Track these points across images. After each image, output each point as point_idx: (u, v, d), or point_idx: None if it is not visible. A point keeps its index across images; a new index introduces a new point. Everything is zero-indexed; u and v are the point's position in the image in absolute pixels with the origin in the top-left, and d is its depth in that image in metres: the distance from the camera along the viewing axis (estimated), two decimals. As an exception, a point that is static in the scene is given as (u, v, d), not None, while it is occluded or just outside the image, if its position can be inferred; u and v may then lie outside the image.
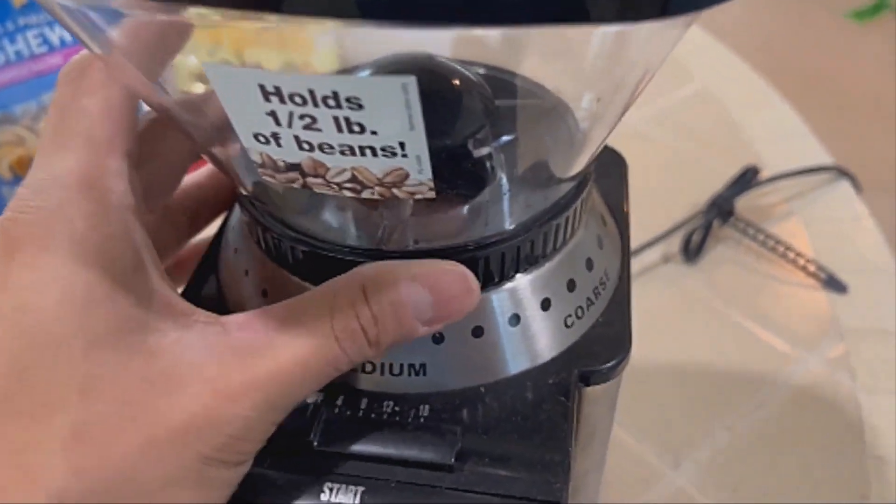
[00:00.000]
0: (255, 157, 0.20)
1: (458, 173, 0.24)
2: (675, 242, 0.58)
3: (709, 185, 0.62)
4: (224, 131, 0.21)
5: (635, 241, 0.57)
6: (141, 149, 0.25)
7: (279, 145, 0.19)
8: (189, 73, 0.23)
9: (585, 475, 0.30)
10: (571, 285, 0.26)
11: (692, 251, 0.58)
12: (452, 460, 0.22)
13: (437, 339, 0.24)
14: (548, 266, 0.25)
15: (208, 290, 0.28)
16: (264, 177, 0.21)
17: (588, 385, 0.26)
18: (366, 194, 0.20)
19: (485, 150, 0.25)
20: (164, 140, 0.27)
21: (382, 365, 0.24)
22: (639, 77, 0.22)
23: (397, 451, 0.23)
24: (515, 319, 0.25)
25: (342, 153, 0.19)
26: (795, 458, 0.46)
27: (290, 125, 0.18)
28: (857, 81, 1.75)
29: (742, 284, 0.57)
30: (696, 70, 0.78)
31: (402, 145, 0.18)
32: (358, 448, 0.23)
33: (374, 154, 0.19)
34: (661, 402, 0.49)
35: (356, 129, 0.18)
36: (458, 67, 0.26)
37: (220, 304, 0.28)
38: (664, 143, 0.69)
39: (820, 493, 0.44)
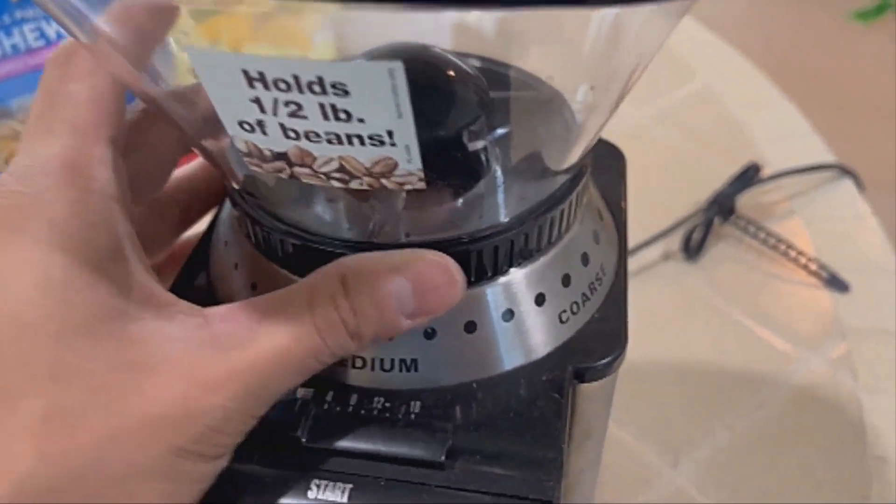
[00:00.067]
0: (241, 146, 0.20)
1: (450, 164, 0.24)
2: (676, 240, 0.58)
3: (710, 182, 0.61)
4: (212, 122, 0.21)
5: (636, 239, 0.57)
6: (130, 139, 0.25)
7: (265, 133, 0.19)
8: (188, 68, 0.22)
9: (581, 473, 0.29)
10: (566, 280, 0.25)
11: (693, 249, 0.57)
12: (443, 458, 0.22)
13: (429, 334, 0.24)
14: (542, 260, 0.25)
15: (198, 283, 0.28)
16: (251, 167, 0.20)
17: (583, 382, 0.25)
18: (354, 185, 0.20)
19: (478, 142, 0.24)
20: (153, 131, 0.26)
21: (373, 360, 0.24)
22: (632, 67, 0.22)
23: (387, 448, 0.22)
24: (509, 314, 0.24)
25: (329, 142, 0.18)
26: (796, 458, 0.45)
27: (275, 112, 0.18)
28: (860, 82, 1.75)
29: (743, 283, 0.56)
30: (698, 68, 0.77)
31: (390, 134, 0.18)
32: (347, 445, 0.22)
33: (362, 143, 0.18)
34: (660, 400, 0.49)
35: (342, 116, 0.17)
36: (453, 58, 0.26)
37: (210, 298, 0.27)
38: (665, 140, 0.69)
39: (820, 493, 0.43)
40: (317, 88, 0.17)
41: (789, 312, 0.54)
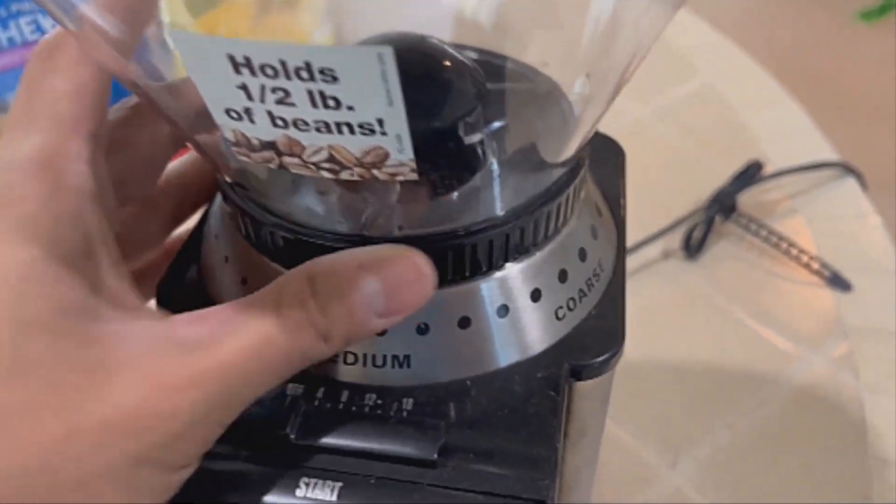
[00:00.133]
0: (229, 135, 0.19)
1: (444, 156, 0.23)
2: (677, 238, 0.57)
3: (711, 180, 0.61)
4: (203, 113, 0.20)
5: (636, 237, 0.56)
6: (117, 137, 0.25)
7: (252, 122, 0.18)
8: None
9: (577, 472, 0.29)
10: (563, 276, 0.25)
11: (693, 247, 0.57)
12: (435, 456, 0.22)
13: (422, 329, 0.23)
14: (538, 255, 0.24)
15: (189, 277, 0.27)
16: (240, 157, 0.20)
17: (579, 379, 0.25)
18: (344, 175, 0.19)
19: (473, 133, 0.24)
20: (141, 129, 0.26)
21: (365, 356, 0.24)
22: (629, 56, 0.21)
23: (378, 446, 0.22)
24: (504, 310, 0.24)
25: (318, 130, 0.18)
26: (796, 459, 0.45)
27: (262, 99, 0.17)
28: (863, 82, 1.74)
29: (744, 281, 0.56)
30: (701, 65, 0.76)
31: (380, 122, 0.17)
32: (337, 442, 0.22)
33: (352, 131, 0.18)
34: (660, 399, 0.48)
35: (331, 103, 0.17)
36: (449, 49, 0.25)
37: (201, 291, 0.27)
38: (667, 137, 0.68)
39: (821, 493, 0.43)
40: (304, 74, 0.16)
41: (791, 311, 0.53)
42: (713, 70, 0.76)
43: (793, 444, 0.45)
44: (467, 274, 0.23)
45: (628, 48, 0.21)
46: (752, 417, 0.47)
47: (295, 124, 0.18)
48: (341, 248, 0.22)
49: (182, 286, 0.27)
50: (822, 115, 0.71)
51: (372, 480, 0.21)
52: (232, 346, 0.19)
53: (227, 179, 0.25)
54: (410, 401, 0.23)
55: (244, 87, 0.17)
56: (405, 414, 0.23)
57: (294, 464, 0.22)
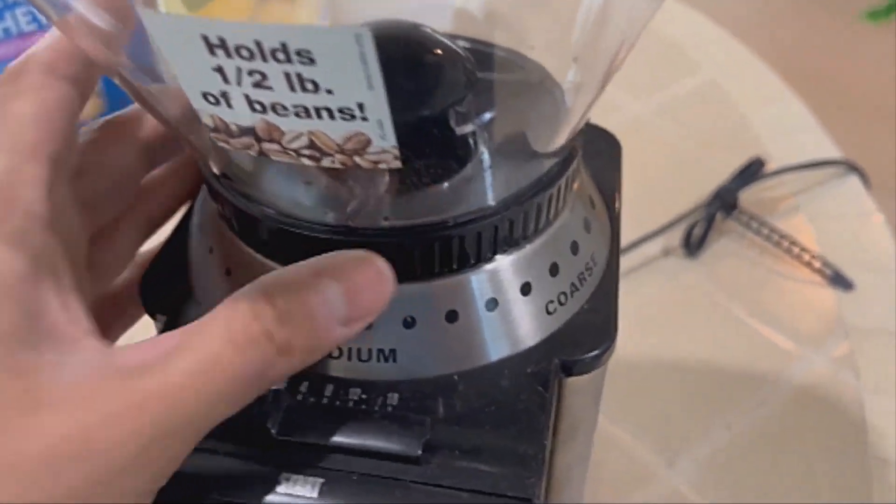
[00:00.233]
0: (207, 121, 0.19)
1: (429, 144, 0.23)
2: (677, 235, 0.57)
3: (713, 177, 0.60)
4: (185, 99, 0.20)
5: (636, 234, 0.56)
6: (86, 158, 0.24)
7: (230, 106, 0.18)
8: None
9: (569, 470, 0.28)
10: (554, 269, 0.24)
11: (693, 244, 0.56)
12: (419, 452, 0.21)
13: (409, 323, 0.23)
14: (529, 248, 0.24)
15: (174, 268, 0.27)
16: (219, 143, 0.19)
17: (570, 375, 0.24)
18: (326, 162, 0.19)
19: (462, 121, 0.23)
20: (112, 150, 0.25)
21: (350, 350, 0.23)
22: (618, 43, 0.21)
23: (361, 442, 0.21)
24: (493, 304, 0.23)
25: (297, 115, 0.17)
26: (796, 459, 0.44)
27: (239, 83, 0.17)
28: (868, 81, 1.73)
29: (745, 279, 0.55)
30: (704, 62, 0.76)
31: (361, 107, 0.17)
32: (319, 437, 0.21)
33: (332, 116, 0.17)
34: (658, 398, 0.48)
35: (309, 87, 0.16)
36: (441, 37, 0.25)
37: (185, 283, 0.26)
38: (668, 134, 0.68)
39: (820, 494, 0.42)
40: (281, 56, 0.16)
41: (792, 310, 0.53)
42: (716, 66, 0.75)
43: (792, 444, 0.45)
44: (455, 266, 0.23)
45: (617, 33, 0.21)
46: (752, 417, 0.46)
47: (273, 109, 0.17)
48: (327, 239, 0.22)
49: (166, 278, 0.26)
50: (826, 113, 0.70)
51: (354, 477, 0.21)
52: (177, 369, 0.18)
53: (214, 171, 0.24)
54: (396, 396, 0.23)
55: (220, 70, 0.17)
56: (390, 409, 0.22)
57: (275, 459, 0.21)
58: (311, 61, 0.16)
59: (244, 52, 0.16)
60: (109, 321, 0.28)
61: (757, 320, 0.52)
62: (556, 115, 0.25)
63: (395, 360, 0.23)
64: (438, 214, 0.22)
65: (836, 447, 0.45)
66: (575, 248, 0.25)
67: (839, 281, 0.54)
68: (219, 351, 0.18)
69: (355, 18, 0.29)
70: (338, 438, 0.21)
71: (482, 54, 0.26)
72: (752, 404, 0.47)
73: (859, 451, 0.44)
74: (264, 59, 0.16)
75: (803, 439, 0.45)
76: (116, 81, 0.23)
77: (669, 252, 0.57)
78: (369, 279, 0.20)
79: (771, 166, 0.62)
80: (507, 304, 0.24)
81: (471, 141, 0.24)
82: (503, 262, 0.23)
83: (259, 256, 0.24)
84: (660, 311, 0.53)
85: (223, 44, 0.16)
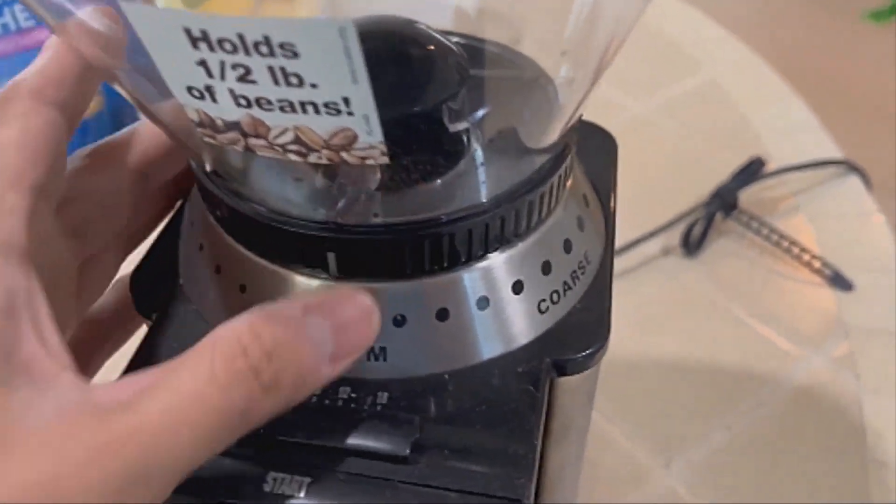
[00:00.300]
0: (193, 115, 0.18)
1: (419, 140, 0.23)
2: (676, 235, 0.56)
3: (712, 176, 0.60)
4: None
5: (635, 233, 0.56)
6: (75, 185, 0.24)
7: (214, 100, 0.17)
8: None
9: (561, 470, 0.28)
10: (547, 268, 0.24)
11: (693, 244, 0.56)
12: (408, 451, 0.21)
13: (399, 321, 0.23)
14: (521, 246, 0.24)
15: (164, 265, 0.27)
16: (206, 138, 0.19)
17: (563, 375, 0.24)
18: (312, 158, 0.19)
19: (456, 118, 0.23)
20: (101, 177, 0.25)
21: (340, 348, 0.23)
22: (609, 36, 0.20)
23: (349, 441, 0.21)
24: (484, 302, 0.23)
25: (282, 110, 0.17)
26: (794, 460, 0.44)
27: (223, 77, 0.17)
28: (869, 81, 1.72)
29: (744, 279, 0.55)
30: (705, 61, 0.75)
31: (346, 101, 0.17)
32: (307, 436, 0.21)
33: (317, 111, 0.17)
34: (656, 398, 0.47)
35: (294, 81, 0.16)
36: (434, 33, 0.24)
37: (175, 281, 0.26)
38: (668, 132, 0.67)
39: (818, 496, 0.42)
40: (264, 49, 0.16)
41: (791, 310, 0.53)
42: (717, 66, 0.75)
43: (790, 445, 0.45)
44: (446, 264, 0.22)
45: (608, 28, 0.20)
46: (750, 418, 0.46)
47: (258, 103, 0.17)
48: (316, 236, 0.22)
49: (156, 275, 0.26)
50: (827, 113, 0.70)
51: (342, 476, 0.21)
52: (154, 408, 0.17)
53: (205, 168, 0.24)
54: (385, 394, 0.22)
55: (203, 64, 0.16)
56: (379, 408, 0.22)
57: (262, 458, 0.21)
58: (295, 55, 0.16)
59: (227, 46, 0.16)
60: (93, 348, 0.28)
61: (756, 320, 0.52)
62: (549, 111, 0.25)
63: (385, 359, 0.23)
64: (429, 211, 0.22)
65: (835, 448, 0.44)
66: (568, 246, 0.25)
67: (839, 281, 0.54)
68: (200, 388, 0.17)
69: (356, 15, 0.28)
70: (325, 437, 0.21)
71: (476, 50, 0.26)
72: (750, 405, 0.47)
73: (858, 452, 0.44)
74: (247, 52, 0.16)
75: (802, 440, 0.45)
76: (116, 87, 0.23)
77: (669, 251, 0.56)
78: (356, 316, 0.19)
79: (771, 166, 0.61)
80: (499, 302, 0.23)
81: (463, 137, 0.23)
82: (495, 261, 0.23)
83: (248, 253, 0.23)
84: (658, 311, 0.53)
85: (205, 37, 0.16)
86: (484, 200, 0.22)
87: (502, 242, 0.23)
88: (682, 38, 0.78)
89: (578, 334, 0.24)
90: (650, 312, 0.52)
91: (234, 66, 0.16)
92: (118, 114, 0.61)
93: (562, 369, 0.24)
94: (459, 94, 0.23)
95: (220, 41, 0.16)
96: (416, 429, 0.21)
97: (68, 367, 0.18)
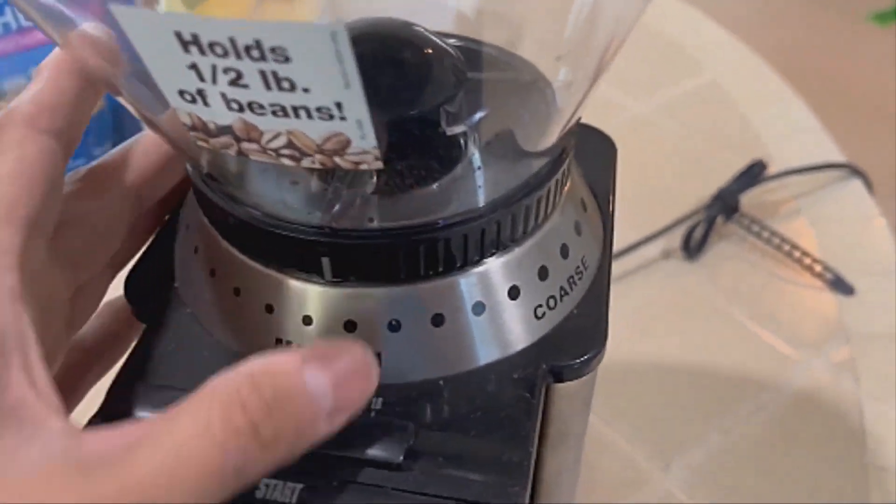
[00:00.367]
0: (185, 119, 0.18)
1: (417, 145, 0.22)
2: (677, 238, 0.56)
3: (714, 179, 0.59)
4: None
5: (635, 235, 0.55)
6: (68, 210, 0.23)
7: (206, 104, 0.17)
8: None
9: (558, 476, 0.28)
10: (543, 273, 0.24)
11: (694, 247, 0.56)
12: (401, 458, 0.21)
13: (394, 326, 0.22)
14: (517, 251, 0.23)
15: (159, 267, 0.26)
16: (199, 142, 0.19)
17: (559, 381, 0.24)
18: (306, 163, 0.18)
19: (453, 121, 0.23)
20: (95, 202, 0.24)
21: (334, 353, 0.23)
22: (608, 40, 0.20)
23: (342, 448, 0.21)
24: (480, 308, 0.23)
25: (274, 114, 0.17)
26: (793, 465, 0.44)
27: (214, 80, 0.16)
28: (873, 83, 1.72)
29: (745, 283, 0.54)
30: (707, 62, 0.75)
31: (339, 106, 0.16)
32: (300, 442, 0.21)
33: (310, 116, 0.17)
34: (655, 401, 0.47)
35: (286, 85, 0.16)
36: (432, 36, 0.24)
37: (170, 283, 0.26)
38: (669, 134, 0.67)
39: (818, 501, 0.42)
40: (255, 53, 0.15)
41: (792, 314, 0.52)
42: (719, 67, 0.75)
43: (789, 450, 0.44)
44: (441, 269, 0.22)
45: (606, 30, 0.20)
46: (749, 422, 0.46)
47: (250, 107, 0.17)
48: (310, 240, 0.22)
49: (151, 277, 0.26)
50: (829, 116, 0.70)
51: (335, 483, 0.20)
52: (144, 467, 0.16)
53: (201, 171, 0.24)
54: (380, 400, 0.22)
55: (195, 67, 0.16)
56: (373, 414, 0.22)
57: (254, 464, 0.21)
58: (287, 59, 0.15)
59: (218, 49, 0.16)
60: (79, 374, 0.27)
61: (756, 324, 0.51)
62: (547, 114, 0.24)
63: (379, 364, 0.23)
64: (425, 216, 0.22)
65: (835, 453, 0.44)
66: (565, 251, 0.25)
67: (840, 285, 0.54)
68: (195, 444, 0.16)
69: (355, 17, 0.28)
70: (318, 443, 0.21)
71: (473, 53, 0.26)
72: (749, 409, 0.47)
73: (858, 457, 0.44)
74: (238, 56, 0.16)
75: (801, 445, 0.45)
76: (119, 98, 0.23)
77: (669, 254, 0.56)
78: (355, 370, 0.19)
79: (772, 169, 0.61)
80: (495, 307, 0.23)
81: (460, 141, 0.23)
82: (491, 266, 0.23)
83: (243, 257, 0.23)
84: (658, 314, 0.52)
85: (196, 40, 0.15)
86: (480, 205, 0.22)
87: (498, 247, 0.23)
88: (683, 39, 0.78)
89: (575, 340, 0.24)
90: (650, 315, 0.52)
91: (226, 70, 0.16)
92: (119, 113, 0.61)
93: (558, 375, 0.24)
94: (456, 97, 0.22)
95: (211, 45, 0.15)
96: (410, 435, 0.21)
97: (57, 410, 0.18)
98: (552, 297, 0.24)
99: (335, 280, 0.22)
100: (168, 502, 0.16)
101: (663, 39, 0.78)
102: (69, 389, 0.25)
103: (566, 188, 0.25)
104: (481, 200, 0.22)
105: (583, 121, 0.27)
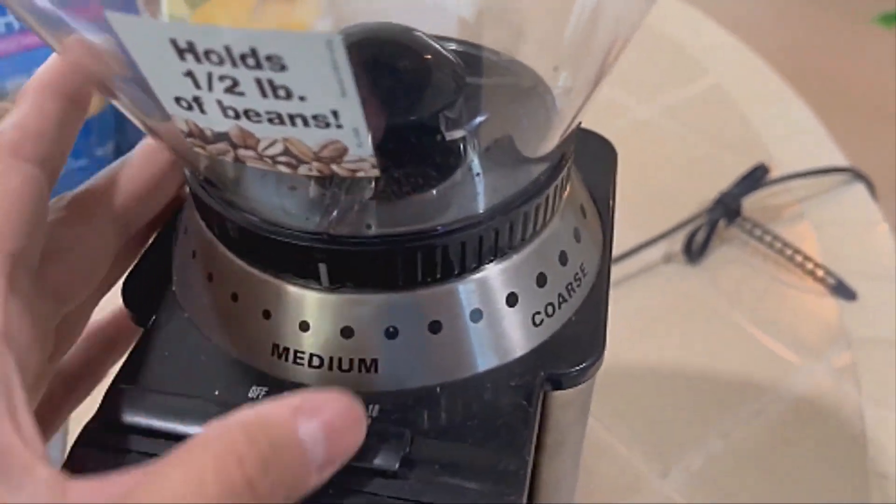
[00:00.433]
0: (182, 126, 0.18)
1: (414, 152, 0.22)
2: (678, 241, 0.56)
3: (716, 182, 0.59)
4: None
5: (637, 238, 0.55)
6: (53, 239, 0.22)
7: (203, 111, 0.17)
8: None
9: (557, 483, 0.28)
10: (542, 280, 0.24)
11: (695, 251, 0.55)
12: (397, 466, 0.20)
13: (391, 333, 0.22)
14: (515, 258, 0.23)
15: (157, 272, 0.26)
16: (195, 148, 0.19)
17: (556, 389, 0.24)
18: (303, 170, 0.18)
19: (452, 127, 0.23)
20: (81, 230, 0.24)
21: (331, 359, 0.23)
22: (608, 46, 0.20)
23: (338, 454, 0.21)
24: (477, 315, 0.23)
25: (271, 122, 0.17)
26: (792, 471, 0.43)
27: (210, 88, 0.16)
28: (877, 86, 1.71)
29: (746, 287, 0.54)
30: (710, 65, 0.75)
31: (335, 114, 0.16)
32: (296, 449, 0.21)
33: (306, 124, 0.17)
34: (654, 406, 0.47)
35: (282, 93, 0.16)
36: (430, 41, 0.24)
37: (167, 288, 0.26)
38: (672, 137, 0.67)
39: (817, 509, 0.42)
40: (251, 61, 0.15)
41: (793, 319, 0.52)
42: (722, 70, 0.74)
43: (790, 455, 0.44)
44: (439, 276, 0.22)
45: (607, 36, 0.20)
46: (748, 427, 0.46)
47: (246, 115, 0.17)
48: (307, 247, 0.22)
49: (148, 281, 0.26)
50: (833, 119, 0.69)
51: (330, 491, 0.20)
52: None
53: (196, 173, 0.24)
54: (376, 407, 0.22)
55: (191, 75, 0.16)
56: (370, 421, 0.22)
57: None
58: (283, 67, 0.15)
59: (213, 57, 0.15)
60: (58, 402, 0.26)
61: (757, 329, 0.51)
62: (547, 120, 0.24)
63: (376, 371, 0.23)
64: (422, 223, 0.22)
65: (835, 459, 0.44)
66: (563, 258, 0.25)
67: (842, 290, 0.53)
68: (186, 499, 0.16)
69: (359, 17, 0.28)
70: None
71: (473, 58, 0.25)
72: (749, 414, 0.46)
73: (859, 464, 0.44)
74: (234, 64, 0.16)
75: (801, 450, 0.45)
76: (115, 102, 0.23)
77: (671, 258, 0.56)
78: (346, 420, 0.18)
79: (775, 172, 0.61)
80: (493, 314, 0.23)
81: (458, 147, 0.23)
82: (489, 272, 0.23)
83: (240, 262, 0.23)
84: (659, 318, 0.52)
85: (192, 48, 0.15)
86: (478, 211, 0.22)
87: (496, 254, 0.23)
88: (687, 42, 0.78)
89: (573, 348, 0.24)
90: (651, 319, 0.52)
91: (222, 78, 0.16)
92: (121, 113, 0.61)
93: (556, 383, 0.23)
94: (455, 103, 0.22)
95: (207, 53, 0.15)
96: (406, 443, 0.21)
97: (42, 456, 0.17)
98: (550, 304, 0.24)
99: (332, 286, 0.22)
100: None
101: (666, 41, 0.78)
102: (46, 421, 0.24)
103: (565, 194, 0.25)
104: (479, 207, 0.22)
105: (584, 124, 0.27)
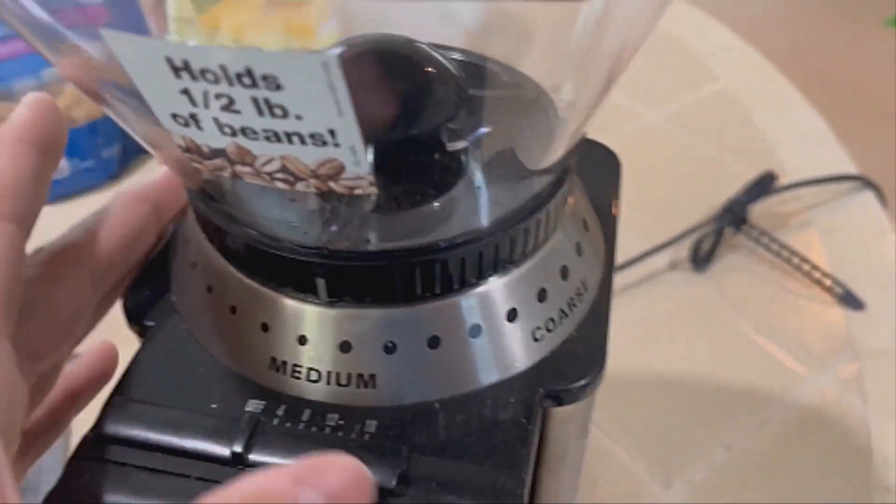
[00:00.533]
0: (179, 141, 0.18)
1: (413, 168, 0.22)
2: (685, 249, 0.56)
3: (724, 189, 0.59)
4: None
5: (643, 245, 0.55)
6: (30, 296, 0.22)
7: (199, 128, 0.17)
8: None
9: (556, 496, 0.27)
10: (542, 295, 0.24)
11: (701, 258, 0.55)
12: (394, 483, 0.20)
13: (390, 348, 0.22)
14: (515, 273, 0.23)
15: (158, 283, 0.26)
16: (193, 163, 0.19)
17: (556, 405, 0.23)
18: (300, 187, 0.18)
19: (448, 142, 0.22)
20: (59, 287, 0.23)
21: (329, 374, 0.22)
22: (615, 57, 0.20)
23: (335, 471, 0.21)
24: (477, 330, 0.23)
25: (267, 139, 0.17)
26: (797, 482, 0.43)
27: (206, 105, 0.16)
28: (888, 92, 1.70)
29: (753, 296, 0.54)
30: (719, 70, 0.75)
31: (332, 133, 0.16)
32: (291, 463, 0.21)
33: (303, 142, 0.17)
34: (658, 415, 0.47)
35: (278, 112, 0.16)
36: (432, 52, 0.24)
37: (167, 299, 0.26)
38: (679, 143, 0.67)
39: (821, 521, 0.42)
40: (247, 80, 0.15)
41: (800, 328, 0.52)
42: (730, 74, 0.74)
43: (794, 466, 0.44)
44: (438, 291, 0.22)
45: (611, 49, 0.20)
46: (753, 438, 0.45)
47: (243, 132, 0.17)
48: (306, 261, 0.21)
49: (149, 292, 0.26)
50: (843, 125, 0.69)
51: (326, 507, 0.20)
52: None
53: (196, 187, 0.24)
54: (374, 423, 0.22)
55: (187, 92, 0.16)
56: (367, 437, 0.22)
57: (245, 486, 0.21)
58: (278, 87, 0.15)
59: (209, 76, 0.15)
60: (21, 454, 0.25)
61: (763, 338, 0.51)
62: (550, 132, 0.24)
63: (374, 386, 0.22)
64: (421, 237, 0.22)
65: (840, 471, 0.44)
66: (565, 272, 0.24)
67: (849, 300, 0.53)
68: None
69: (365, 22, 0.28)
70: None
71: (475, 69, 0.25)
72: (754, 424, 0.46)
73: (863, 476, 0.43)
74: (230, 83, 0.15)
75: (806, 462, 0.44)
76: (109, 110, 0.23)
77: (677, 265, 0.56)
78: (351, 491, 0.17)
79: (783, 179, 0.60)
80: (492, 330, 0.23)
81: (459, 161, 0.23)
82: (488, 287, 0.23)
83: (240, 275, 0.23)
84: (664, 325, 0.52)
85: (187, 67, 0.15)
86: (479, 226, 0.22)
87: (496, 269, 0.23)
88: (695, 47, 0.77)
89: (573, 364, 0.24)
90: (656, 326, 0.52)
91: (218, 96, 0.16)
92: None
93: (556, 399, 0.23)
94: (456, 116, 0.22)
95: (203, 71, 0.15)
96: (404, 460, 0.21)
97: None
98: (551, 319, 0.24)
99: (331, 300, 0.22)
100: None
101: (674, 46, 0.77)
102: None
103: (567, 208, 0.25)
104: (480, 221, 0.22)
105: (589, 129, 0.27)
